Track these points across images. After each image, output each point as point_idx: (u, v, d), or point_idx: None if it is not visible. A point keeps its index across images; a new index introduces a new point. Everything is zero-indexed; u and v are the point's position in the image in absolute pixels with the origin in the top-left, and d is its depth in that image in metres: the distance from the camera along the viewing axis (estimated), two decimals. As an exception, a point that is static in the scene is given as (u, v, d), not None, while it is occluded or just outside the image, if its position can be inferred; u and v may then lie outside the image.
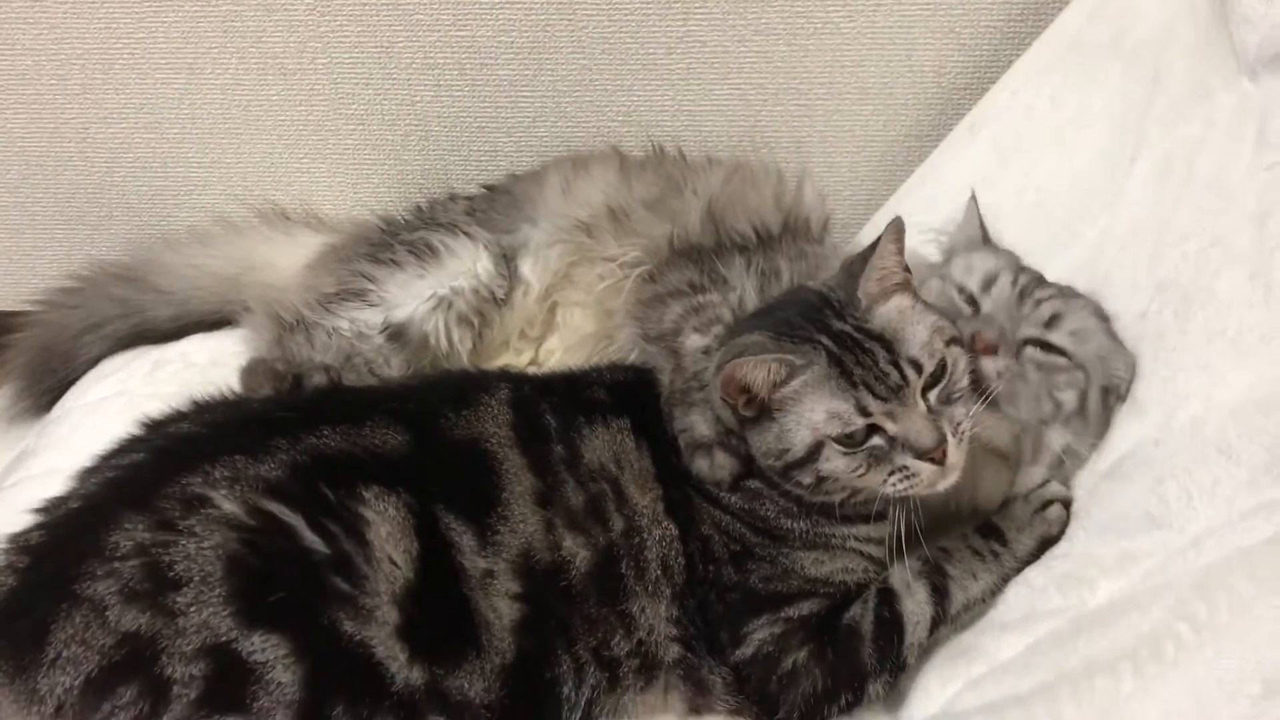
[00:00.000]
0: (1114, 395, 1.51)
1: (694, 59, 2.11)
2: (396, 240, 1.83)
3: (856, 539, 1.43)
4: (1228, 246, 1.44)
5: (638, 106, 2.14)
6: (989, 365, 1.45)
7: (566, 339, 1.80)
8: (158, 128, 2.22)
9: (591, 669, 1.35)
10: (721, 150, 2.00)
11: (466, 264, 1.78)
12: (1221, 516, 1.23)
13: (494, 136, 2.19)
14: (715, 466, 1.42)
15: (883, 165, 2.16)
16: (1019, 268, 1.61)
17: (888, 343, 1.34)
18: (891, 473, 1.34)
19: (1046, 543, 1.45)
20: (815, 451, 1.34)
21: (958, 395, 1.37)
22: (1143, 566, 1.29)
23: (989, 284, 1.55)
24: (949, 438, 1.33)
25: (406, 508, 1.31)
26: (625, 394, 1.51)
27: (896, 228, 1.36)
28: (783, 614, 1.40)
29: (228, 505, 1.24)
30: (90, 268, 2.15)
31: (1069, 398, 1.49)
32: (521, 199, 1.87)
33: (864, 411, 1.32)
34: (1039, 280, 1.57)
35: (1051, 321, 1.51)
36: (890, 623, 1.40)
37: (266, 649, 1.17)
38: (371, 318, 1.75)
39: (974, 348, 1.45)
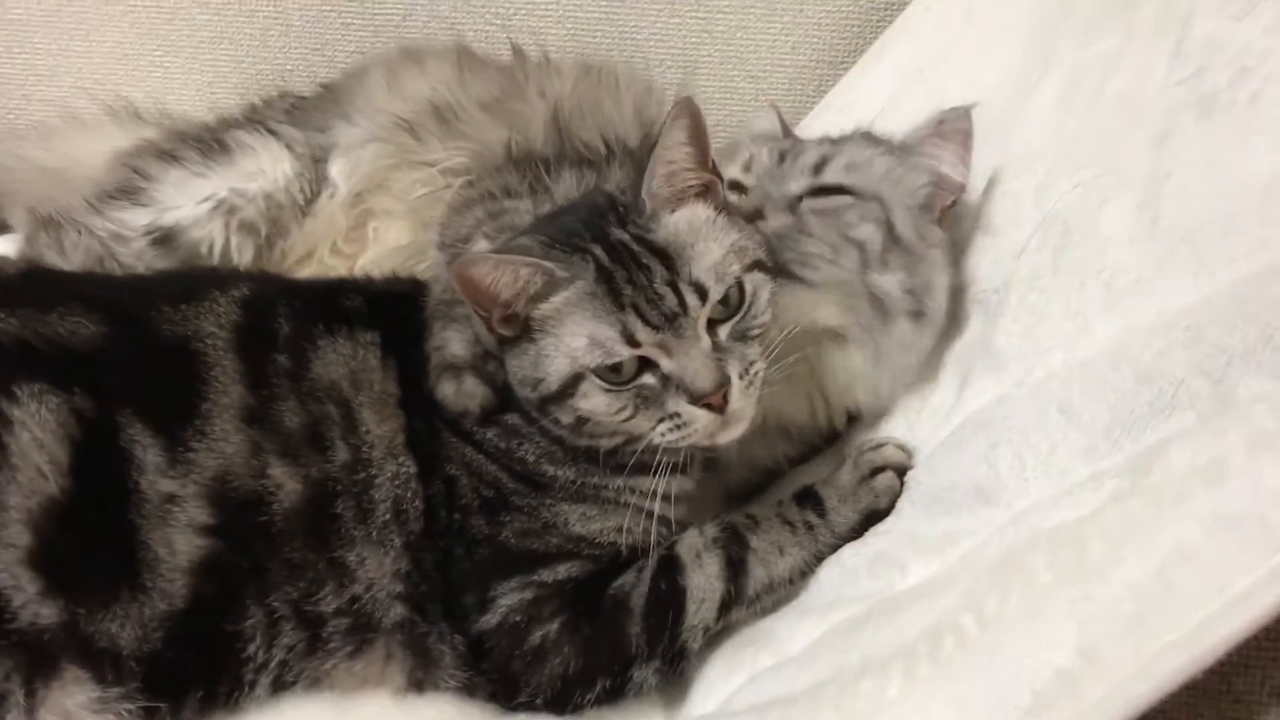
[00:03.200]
0: (930, 212, 1.30)
1: (582, -43, 1.87)
2: (191, 136, 1.61)
3: (636, 493, 1.18)
4: (1121, 173, 1.18)
5: (518, 9, 1.89)
6: (763, 231, 1.23)
7: (379, 253, 1.56)
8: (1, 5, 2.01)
9: (288, 626, 1.11)
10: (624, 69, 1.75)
11: (263, 164, 1.55)
12: (1050, 490, 0.99)
13: (360, 35, 1.96)
14: (462, 393, 1.18)
15: (791, 92, 1.89)
16: (787, 142, 1.40)
17: (669, 259, 1.10)
18: (662, 419, 1.10)
19: (872, 517, 1.20)
20: (572, 385, 1.10)
21: (756, 331, 1.13)
22: (962, 548, 1.05)
23: (749, 165, 1.34)
24: (733, 380, 1.09)
25: (73, 411, 1.08)
26: (388, 305, 1.26)
27: (685, 109, 1.10)
28: (536, 577, 1.16)
29: None
30: (-91, 155, 1.94)
31: (868, 232, 1.25)
32: (341, 94, 1.64)
33: (630, 340, 1.07)
34: (806, 143, 1.36)
35: (819, 167, 1.29)
36: (667, 597, 1.15)
37: None
38: (136, 219, 1.52)
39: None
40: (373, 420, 1.17)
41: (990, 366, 1.20)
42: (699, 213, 1.14)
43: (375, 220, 1.57)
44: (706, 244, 1.11)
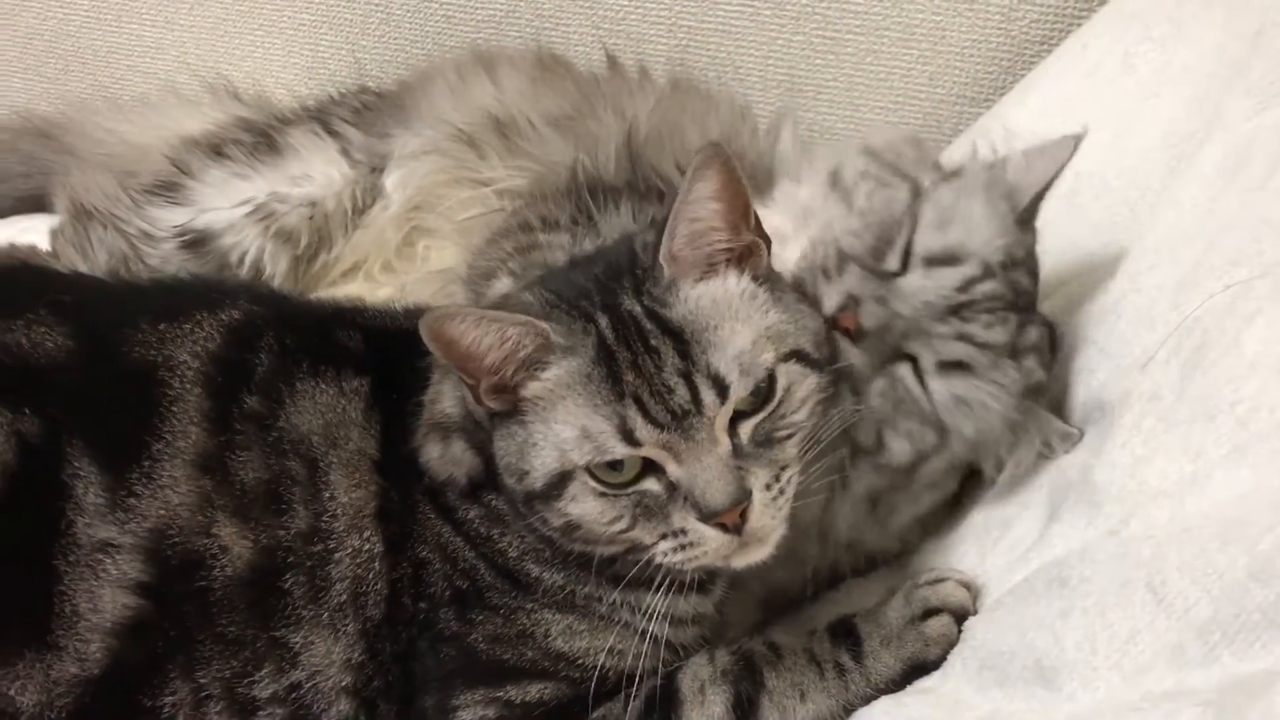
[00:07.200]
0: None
1: (697, -38, 1.68)
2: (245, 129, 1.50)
3: (636, 611, 0.99)
4: (1278, 280, 0.93)
5: (627, 13, 1.72)
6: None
7: (422, 275, 1.41)
8: (111, -30, 1.96)
9: (215, 708, 0.97)
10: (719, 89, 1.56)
11: (312, 168, 1.43)
12: (1122, 693, 0.76)
13: (461, 29, 1.82)
14: (447, 459, 1.01)
15: (925, 128, 1.65)
16: (999, 267, 1.07)
17: (685, 343, 0.91)
18: (665, 535, 0.91)
19: (918, 669, 0.98)
20: (560, 484, 0.92)
21: (786, 432, 0.92)
22: (1008, 742, 0.83)
23: (941, 262, 1.05)
24: (755, 495, 0.89)
25: (15, 434, 0.96)
26: (389, 346, 1.09)
27: (714, 157, 0.90)
28: (502, 693, 0.99)
29: None
30: (15, 117, 1.91)
31: (900, 449, 1.04)
32: (406, 98, 1.49)
33: (629, 437, 0.89)
34: (1005, 304, 1.05)
35: (950, 368, 1.03)
36: (654, 738, 0.97)
37: None
38: (171, 217, 1.42)
39: (837, 322, 1.02)
40: (342, 484, 1.01)
41: (1085, 502, 0.97)
42: (730, 286, 0.94)
43: (426, 239, 1.43)
44: (734, 326, 0.92)
